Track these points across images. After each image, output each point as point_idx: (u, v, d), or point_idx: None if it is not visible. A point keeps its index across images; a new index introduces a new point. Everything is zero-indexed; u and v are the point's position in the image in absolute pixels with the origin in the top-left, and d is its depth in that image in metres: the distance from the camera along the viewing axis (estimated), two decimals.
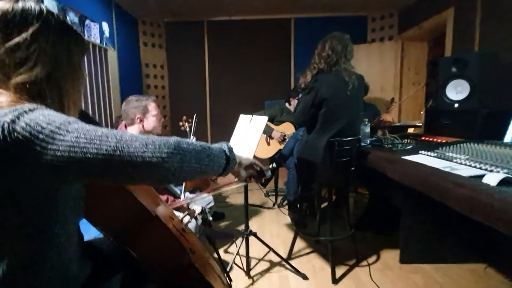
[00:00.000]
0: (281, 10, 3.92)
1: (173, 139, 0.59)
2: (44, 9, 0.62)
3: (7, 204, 0.55)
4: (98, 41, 2.73)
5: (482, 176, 1.06)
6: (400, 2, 3.66)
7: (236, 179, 0.95)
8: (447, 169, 1.22)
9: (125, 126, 1.79)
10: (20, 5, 0.59)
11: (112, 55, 3.05)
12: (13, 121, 0.51)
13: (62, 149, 0.50)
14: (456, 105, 2.12)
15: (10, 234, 0.57)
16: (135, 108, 1.70)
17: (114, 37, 3.26)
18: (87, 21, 2.58)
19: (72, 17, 2.37)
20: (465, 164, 1.27)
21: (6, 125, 0.50)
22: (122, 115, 1.79)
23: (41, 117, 0.52)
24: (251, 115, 1.77)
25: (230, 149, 0.81)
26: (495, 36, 2.43)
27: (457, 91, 2.15)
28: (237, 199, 3.20)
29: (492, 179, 1.01)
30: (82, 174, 0.54)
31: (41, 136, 0.50)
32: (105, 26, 2.92)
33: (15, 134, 0.50)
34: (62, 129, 0.52)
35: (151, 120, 1.71)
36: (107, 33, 2.95)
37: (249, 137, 1.66)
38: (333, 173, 1.72)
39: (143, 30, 4.04)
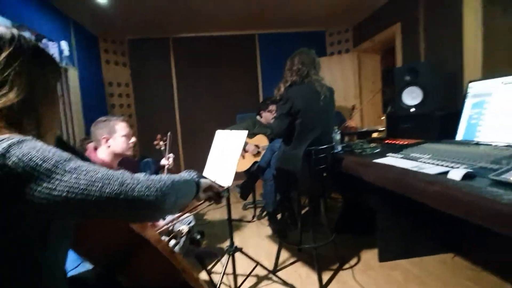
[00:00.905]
0: (246, 26, 4.05)
1: (168, 179, 0.62)
2: (16, 34, 0.61)
3: None
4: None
5: (446, 172, 1.18)
6: (353, 18, 3.99)
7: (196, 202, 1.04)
8: (415, 169, 1.33)
9: (95, 149, 1.70)
10: None
11: (73, 74, 2.89)
12: (3, 155, 0.48)
13: (60, 189, 0.49)
14: (412, 109, 2.34)
15: None
16: (102, 128, 1.62)
17: (74, 56, 3.10)
18: (44, 40, 2.44)
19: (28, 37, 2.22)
20: (429, 163, 1.39)
21: None
22: (91, 137, 1.70)
23: (34, 151, 0.51)
24: (228, 130, 1.78)
25: (198, 176, 0.87)
26: (437, 47, 2.75)
27: (412, 97, 2.37)
28: (215, 215, 3.14)
29: (456, 174, 1.12)
30: (78, 214, 0.54)
31: (35, 174, 0.49)
32: (64, 44, 2.78)
33: (6, 169, 0.48)
34: (60, 168, 0.51)
35: (119, 141, 1.62)
36: (66, 52, 2.80)
37: (229, 153, 1.66)
38: (312, 181, 1.78)
39: (105, 48, 3.89)
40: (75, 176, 0.51)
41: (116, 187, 0.53)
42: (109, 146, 1.60)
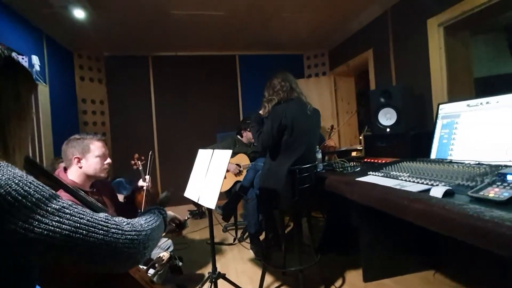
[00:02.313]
0: (226, 47, 4.12)
1: (147, 228, 0.62)
2: None
3: None
4: None
5: (428, 190, 1.22)
6: (329, 43, 4.21)
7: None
8: (397, 187, 1.37)
9: (65, 170, 1.57)
10: None
11: (44, 90, 2.74)
12: None
13: (39, 231, 0.45)
14: (388, 129, 2.45)
15: None
16: (74, 147, 1.48)
17: (46, 71, 2.96)
18: (13, 54, 2.30)
19: None
20: (410, 181, 1.43)
21: None
22: (62, 156, 1.58)
23: (14, 184, 0.45)
24: (212, 150, 1.74)
25: (164, 212, 0.84)
26: (406, 71, 2.95)
27: (386, 117, 2.49)
28: (193, 237, 3.00)
29: (437, 192, 1.16)
30: (52, 259, 0.48)
31: (12, 210, 0.43)
32: (35, 59, 2.64)
33: None
34: (41, 208, 0.46)
35: (92, 162, 1.48)
36: (37, 67, 2.66)
37: (213, 173, 1.62)
38: (296, 200, 1.77)
39: (80, 64, 3.75)
40: (57, 219, 0.47)
41: (100, 237, 0.50)
42: (80, 167, 1.48)
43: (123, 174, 3.47)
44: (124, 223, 0.58)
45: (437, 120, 1.86)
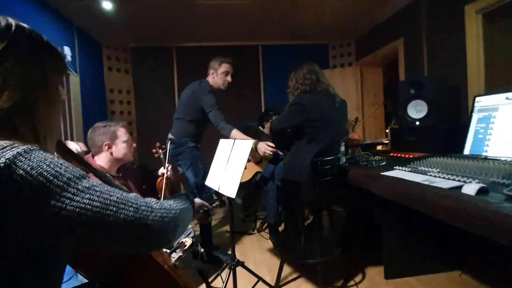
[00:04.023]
0: (249, 37, 4.08)
1: (177, 208, 0.61)
2: (13, 24, 0.53)
3: None
4: None
5: (460, 187, 1.15)
6: (356, 32, 4.04)
7: None
8: (426, 182, 1.30)
9: (92, 156, 1.65)
10: None
11: (75, 80, 2.87)
12: (8, 167, 0.42)
13: (71, 209, 0.45)
14: (417, 123, 2.33)
15: None
16: (103, 134, 1.57)
17: (77, 62, 3.09)
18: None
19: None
20: (440, 177, 1.36)
21: None
22: (88, 143, 1.65)
23: (44, 165, 0.45)
24: (233, 139, 1.74)
25: (192, 198, 0.83)
26: (439, 62, 2.77)
27: (416, 110, 2.37)
28: (213, 226, 3.06)
29: (470, 189, 1.09)
30: (84, 238, 0.48)
31: (45, 191, 0.44)
32: (66, 50, 2.76)
33: (11, 184, 0.42)
34: (72, 186, 0.47)
35: (121, 147, 1.59)
36: (69, 58, 2.78)
37: (234, 162, 1.62)
38: (317, 192, 1.74)
39: (108, 55, 3.89)
40: (88, 197, 0.47)
41: (131, 213, 0.50)
42: (111, 153, 1.56)
43: (148, 162, 3.59)
44: (153, 202, 0.57)
45: (473, 114, 1.74)
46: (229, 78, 2.40)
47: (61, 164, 0.48)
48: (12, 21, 0.54)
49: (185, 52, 4.18)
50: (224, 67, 2.36)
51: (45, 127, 0.56)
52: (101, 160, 1.60)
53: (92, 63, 3.57)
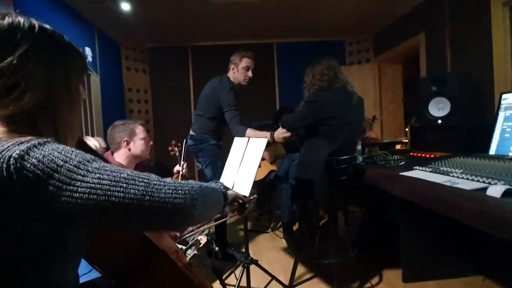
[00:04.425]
0: (263, 35, 4.06)
1: (195, 183, 0.58)
2: (36, 26, 0.54)
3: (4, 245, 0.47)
4: None
5: (484, 189, 1.09)
6: (374, 28, 3.92)
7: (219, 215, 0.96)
8: (448, 183, 1.25)
9: (112, 154, 1.70)
10: (6, 21, 0.51)
11: (95, 80, 2.97)
12: (21, 157, 0.43)
13: (82, 190, 0.45)
14: (439, 121, 2.23)
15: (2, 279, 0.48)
16: (121, 131, 1.63)
17: (97, 63, 3.19)
18: None
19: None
20: (463, 178, 1.30)
21: (12, 161, 0.42)
22: (108, 140, 1.71)
23: (56, 153, 0.46)
24: (247, 138, 1.74)
25: (225, 188, 0.80)
26: (464, 57, 2.64)
27: (438, 108, 2.27)
28: (228, 224, 3.08)
29: (496, 191, 1.03)
30: (100, 220, 0.48)
31: (56, 175, 0.44)
32: (88, 51, 2.86)
33: (24, 172, 0.43)
34: (82, 168, 0.46)
35: (139, 144, 1.65)
36: (89, 58, 2.88)
37: (248, 161, 1.62)
38: (332, 191, 1.71)
39: (126, 55, 3.99)
40: (97, 176, 0.47)
41: (141, 188, 0.48)
42: (129, 149, 1.61)
43: (164, 160, 3.67)
44: (168, 179, 0.55)
45: (499, 112, 1.65)
46: (250, 74, 2.35)
47: (72, 151, 0.48)
48: (35, 22, 0.54)
49: (200, 51, 4.22)
50: (245, 61, 2.32)
51: (66, 127, 0.57)
52: (119, 157, 1.65)
53: (111, 64, 3.67)
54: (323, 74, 1.77)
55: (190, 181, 0.58)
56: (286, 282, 1.83)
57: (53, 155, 0.45)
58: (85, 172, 0.46)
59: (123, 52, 3.98)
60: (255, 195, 1.08)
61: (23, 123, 0.51)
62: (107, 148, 1.71)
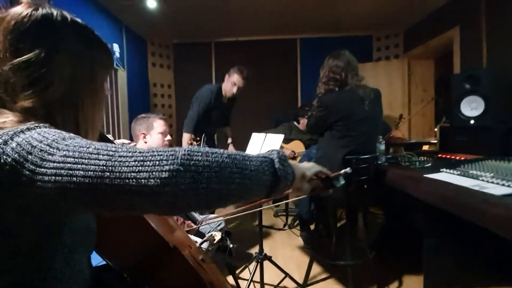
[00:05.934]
0: (287, 30, 4.00)
1: (181, 149, 0.41)
2: (69, 18, 0.53)
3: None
4: None
5: None
6: (405, 22, 3.73)
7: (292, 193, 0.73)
8: (476, 188, 1.16)
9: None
10: (40, 12, 0.50)
11: (122, 75, 3.09)
12: (5, 142, 0.41)
13: (49, 172, 0.38)
14: (472, 121, 2.08)
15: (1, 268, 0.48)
16: (140, 124, 1.68)
17: (124, 58, 3.32)
18: None
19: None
20: (493, 182, 1.21)
21: None
22: (131, 133, 1.77)
23: (36, 134, 0.42)
24: (264, 134, 1.74)
25: (282, 159, 0.53)
26: (502, 53, 2.43)
27: (471, 107, 2.11)
28: (245, 218, 3.10)
29: None
30: (74, 204, 0.42)
31: (30, 157, 0.39)
32: (116, 47, 2.98)
33: (5, 157, 0.40)
34: (53, 146, 0.40)
35: (155, 138, 1.67)
36: (117, 54, 3.00)
37: None
38: (350, 191, 1.66)
39: (152, 51, 4.12)
40: (63, 154, 0.39)
41: (102, 162, 0.38)
42: (146, 142, 1.66)
43: None
44: (144, 149, 0.42)
45: None
46: (234, 90, 2.51)
47: (54, 131, 0.44)
48: (68, 15, 0.53)
49: (223, 47, 4.25)
50: (235, 78, 2.50)
51: (88, 122, 0.56)
52: None
53: (138, 59, 3.80)
54: (335, 73, 1.72)
55: (182, 147, 0.42)
56: (300, 281, 1.81)
57: (31, 137, 0.41)
58: (54, 151, 0.40)
59: (149, 48, 4.10)
60: (347, 169, 0.79)
61: (41, 118, 0.48)
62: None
